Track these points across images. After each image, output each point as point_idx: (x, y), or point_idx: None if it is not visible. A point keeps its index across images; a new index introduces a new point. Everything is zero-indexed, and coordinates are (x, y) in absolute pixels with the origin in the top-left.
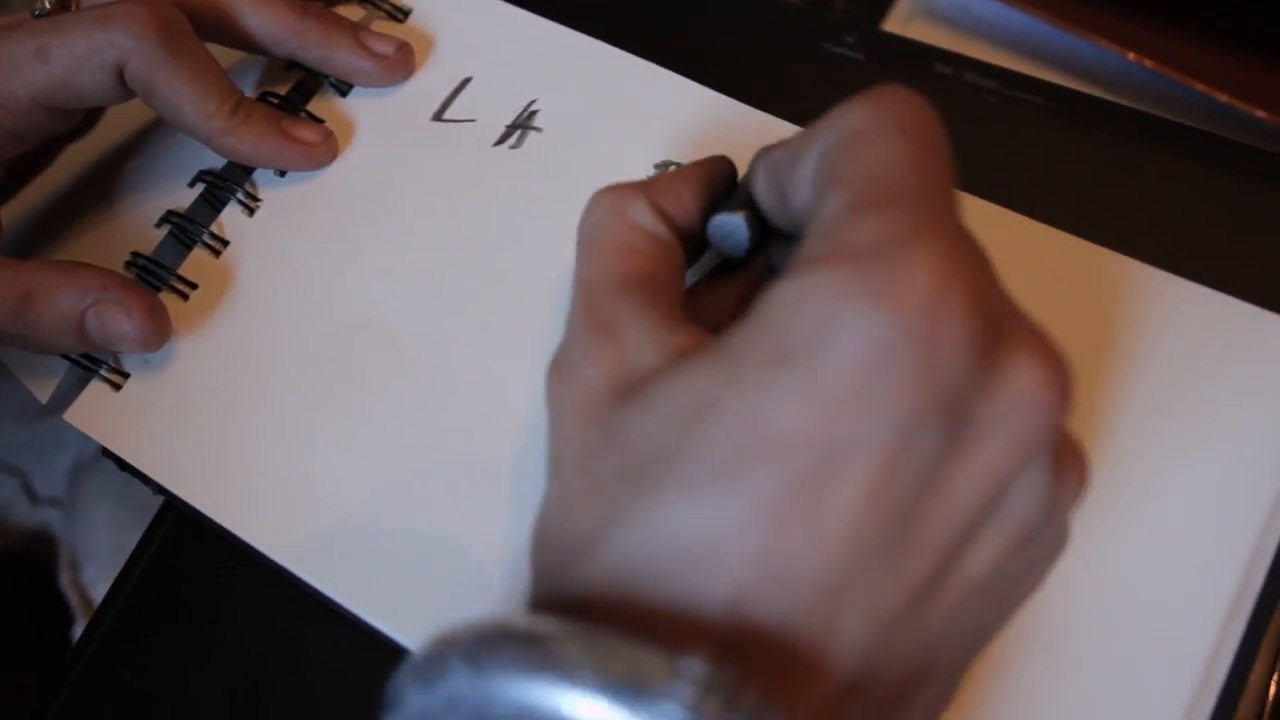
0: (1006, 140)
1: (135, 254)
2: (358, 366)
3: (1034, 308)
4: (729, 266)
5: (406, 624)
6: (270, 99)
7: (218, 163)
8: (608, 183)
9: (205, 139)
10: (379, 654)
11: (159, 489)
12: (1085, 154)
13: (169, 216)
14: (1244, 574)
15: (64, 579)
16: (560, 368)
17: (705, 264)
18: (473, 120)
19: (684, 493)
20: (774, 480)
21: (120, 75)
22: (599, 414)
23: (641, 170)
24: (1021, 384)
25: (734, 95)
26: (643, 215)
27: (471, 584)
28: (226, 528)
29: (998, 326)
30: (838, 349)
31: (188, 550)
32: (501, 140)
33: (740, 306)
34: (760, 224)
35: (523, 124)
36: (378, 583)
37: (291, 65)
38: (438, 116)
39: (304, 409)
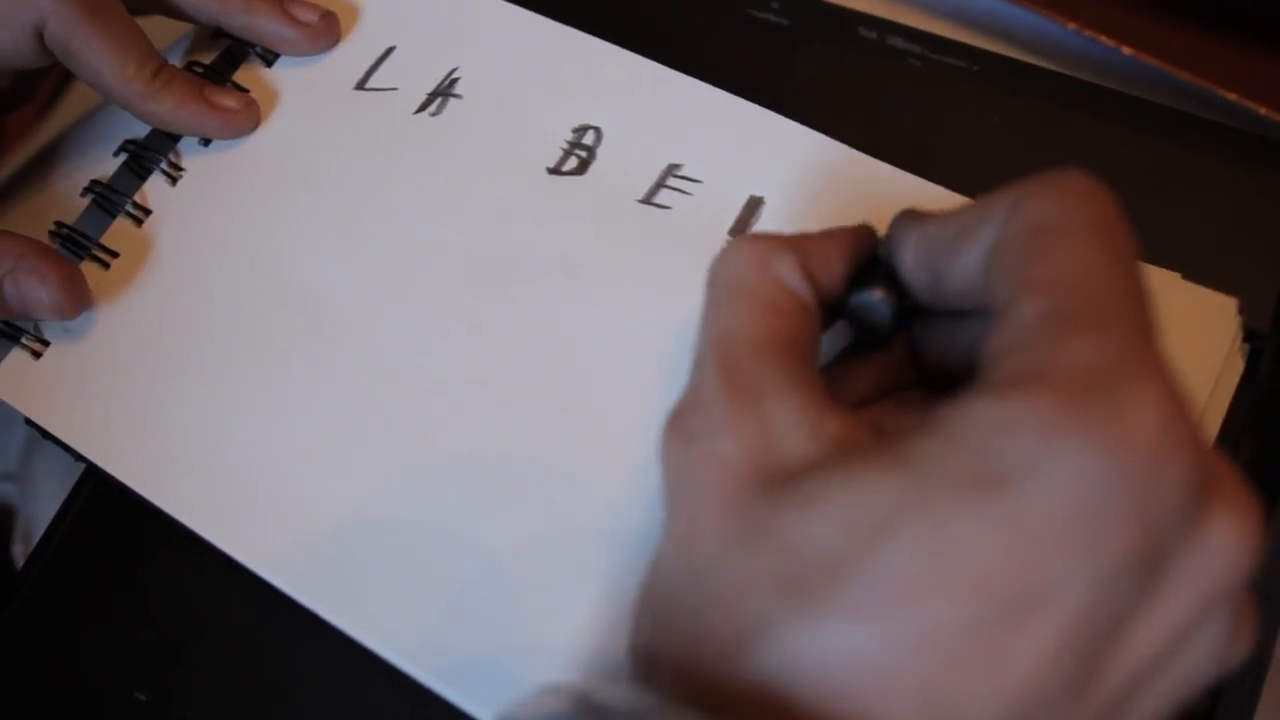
0: (931, 105)
1: (59, 223)
2: (278, 335)
3: None
4: (861, 343)
5: (324, 592)
6: (195, 68)
7: (144, 132)
8: (526, 148)
9: (125, 103)
10: (293, 621)
11: (79, 456)
12: (1010, 118)
13: (93, 186)
14: None
15: (17, 551)
16: (686, 429)
17: (833, 339)
18: (395, 89)
19: (854, 615)
20: (956, 616)
21: (40, 37)
22: (743, 502)
23: (561, 135)
24: (1222, 537)
25: (658, 60)
26: (790, 274)
27: (383, 543)
28: (145, 496)
29: (1209, 472)
30: (1047, 486)
31: (108, 516)
32: (422, 108)
33: (879, 389)
34: (901, 302)
35: (444, 91)
36: (295, 550)
37: (219, 35)
38: (360, 85)
39: (224, 377)
